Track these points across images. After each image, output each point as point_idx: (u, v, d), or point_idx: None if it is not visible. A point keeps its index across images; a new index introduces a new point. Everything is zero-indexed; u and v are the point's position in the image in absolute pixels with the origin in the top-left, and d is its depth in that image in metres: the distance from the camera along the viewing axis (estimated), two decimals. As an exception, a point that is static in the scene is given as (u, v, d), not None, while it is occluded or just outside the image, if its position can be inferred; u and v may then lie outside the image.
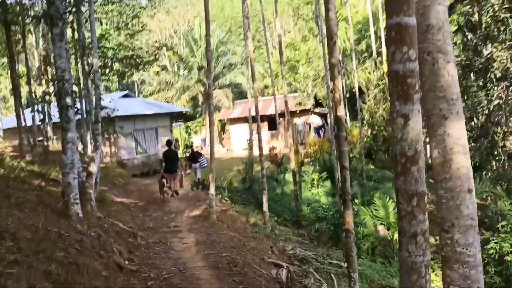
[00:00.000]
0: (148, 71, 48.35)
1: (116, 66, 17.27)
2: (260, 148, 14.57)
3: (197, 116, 45.24)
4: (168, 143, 15.33)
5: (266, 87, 46.04)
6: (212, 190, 11.25)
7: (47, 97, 12.98)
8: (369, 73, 28.23)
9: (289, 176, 21.04)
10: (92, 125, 13.24)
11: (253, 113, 35.21)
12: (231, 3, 59.18)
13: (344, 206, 6.09)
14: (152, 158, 25.09)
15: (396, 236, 14.54)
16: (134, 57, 16.85)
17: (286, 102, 17.84)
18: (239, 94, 45.38)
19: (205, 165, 16.57)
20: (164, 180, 14.20)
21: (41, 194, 8.84)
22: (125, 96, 26.00)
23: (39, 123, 17.10)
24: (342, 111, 6.05)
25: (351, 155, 21.51)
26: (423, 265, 2.47)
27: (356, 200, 19.52)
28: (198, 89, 38.36)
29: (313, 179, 20.33)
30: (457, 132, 3.69)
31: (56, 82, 7.45)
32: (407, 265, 2.50)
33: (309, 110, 34.45)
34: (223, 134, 42.42)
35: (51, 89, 15.61)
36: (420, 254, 2.45)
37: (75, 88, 16.65)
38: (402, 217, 2.47)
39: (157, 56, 18.09)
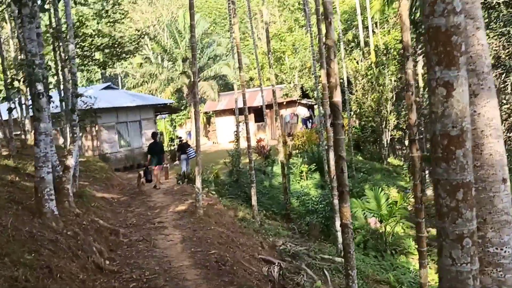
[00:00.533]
0: (130, 61, 47.47)
1: (97, 55, 16.50)
2: (248, 139, 14.06)
3: (182, 108, 44.49)
4: (154, 135, 15.48)
5: (251, 79, 45.46)
6: (198, 183, 10.72)
7: (16, 84, 12.16)
8: (357, 63, 27.82)
9: (277, 169, 20.60)
10: (69, 116, 12.66)
11: (240, 105, 34.97)
12: (216, -6, 58.26)
13: (340, 199, 5.60)
14: (135, 152, 24.39)
15: (388, 228, 14.22)
16: (115, 45, 16.07)
17: (274, 92, 17.31)
18: (225, 86, 44.72)
19: (193, 155, 16.21)
20: (142, 172, 14.59)
21: (14, 190, 8.20)
22: (107, 88, 25.16)
23: (16, 116, 16.29)
24: (338, 96, 5.55)
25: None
26: (470, 276, 1.98)
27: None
28: (182, 81, 37.60)
29: (301, 171, 19.90)
30: (489, 111, 3.21)
31: (26, 67, 6.80)
32: (450, 275, 2.01)
33: (296, 101, 33.99)
34: (209, 126, 41.80)
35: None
36: (467, 262, 1.96)
37: (52, 79, 15.91)
38: (443, 215, 1.96)
39: (139, 44, 17.34)
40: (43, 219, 6.83)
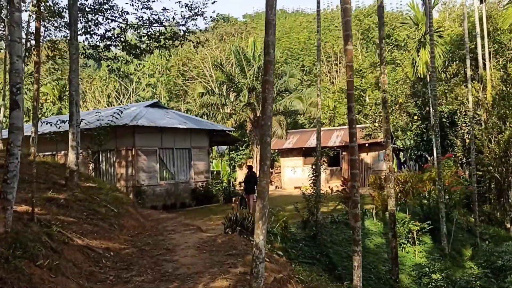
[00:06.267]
0: (193, 95, 43.76)
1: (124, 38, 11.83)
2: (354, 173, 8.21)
3: (243, 143, 39.46)
4: (250, 168, 16.69)
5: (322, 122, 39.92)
6: (260, 237, 5.00)
7: None
8: (477, 91, 21.33)
9: (370, 224, 14.36)
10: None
11: (312, 144, 29.27)
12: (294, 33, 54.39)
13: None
14: (180, 187, 19.18)
15: None
16: (152, 22, 11.33)
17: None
18: (294, 125, 39.38)
19: None
20: (235, 198, 16.26)
21: None
22: (154, 105, 20.52)
23: None
24: None
25: (443, 203, 14.57)
26: None
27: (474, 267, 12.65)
28: (246, 114, 32.71)
29: (409, 231, 13.48)
30: None
31: None
32: None
33: (380, 143, 27.78)
34: (272, 169, 36.10)
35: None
36: None
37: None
38: None
39: (188, 29, 12.38)
40: None
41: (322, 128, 32.10)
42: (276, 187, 31.65)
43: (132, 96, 48.43)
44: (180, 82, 50.47)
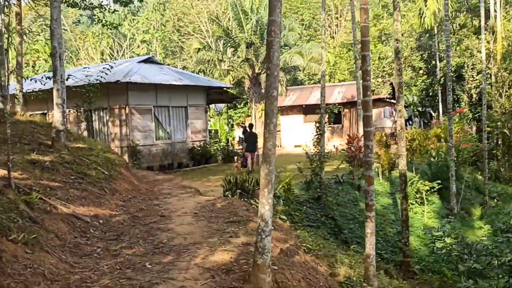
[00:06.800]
0: (189, 52, 42.31)
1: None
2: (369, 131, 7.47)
3: (241, 105, 38.54)
4: (250, 126, 17.26)
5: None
6: (265, 207, 4.31)
7: None
8: (488, 42, 20.27)
9: (376, 184, 13.75)
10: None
11: (313, 101, 28.31)
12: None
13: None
14: (177, 147, 18.44)
15: None
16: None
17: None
18: (293, 82, 38.22)
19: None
20: (237, 158, 16.75)
21: None
22: (147, 61, 19.39)
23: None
24: None
25: (453, 161, 13.85)
26: None
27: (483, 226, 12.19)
28: (244, 70, 31.60)
29: (417, 191, 12.88)
30: None
31: None
32: None
33: (384, 100, 26.89)
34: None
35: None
36: None
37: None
38: None
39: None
40: None
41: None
42: (276, 146, 30.97)
43: (127, 53, 46.89)
44: (176, 38, 48.80)
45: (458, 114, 18.85)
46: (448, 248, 8.47)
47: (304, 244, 6.54)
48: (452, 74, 25.35)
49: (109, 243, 5.62)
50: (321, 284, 5.25)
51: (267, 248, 4.31)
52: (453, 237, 8.72)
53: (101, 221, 6.49)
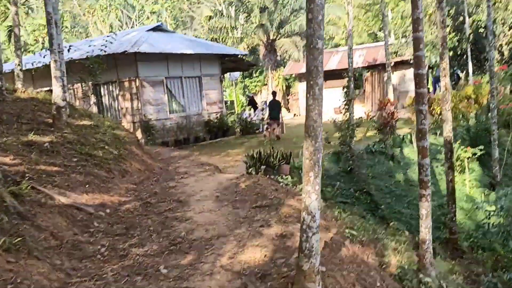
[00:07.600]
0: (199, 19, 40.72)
1: None
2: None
3: (257, 74, 37.10)
4: (274, 93, 17.47)
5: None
6: (312, 196, 3.25)
7: None
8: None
9: (409, 152, 12.60)
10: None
11: (332, 66, 26.86)
12: None
13: None
14: (193, 120, 17.45)
15: None
16: None
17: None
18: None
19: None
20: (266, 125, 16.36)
21: None
22: (157, 29, 18.18)
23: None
24: None
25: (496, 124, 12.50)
26: None
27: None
28: (259, 37, 30.13)
29: (457, 158, 11.68)
30: None
31: None
32: None
33: (408, 62, 25.28)
34: (288, 96, 33.89)
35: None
36: None
37: None
38: None
39: None
40: None
41: (340, 48, 29.66)
42: (294, 115, 29.81)
43: (136, 26, 45.58)
44: (186, 8, 47.20)
45: (501, 70, 17.31)
46: (502, 223, 7.38)
47: (347, 230, 5.52)
48: (482, 30, 23.69)
49: (116, 240, 4.67)
50: (378, 285, 4.23)
51: (315, 249, 3.29)
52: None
53: (107, 211, 5.55)
